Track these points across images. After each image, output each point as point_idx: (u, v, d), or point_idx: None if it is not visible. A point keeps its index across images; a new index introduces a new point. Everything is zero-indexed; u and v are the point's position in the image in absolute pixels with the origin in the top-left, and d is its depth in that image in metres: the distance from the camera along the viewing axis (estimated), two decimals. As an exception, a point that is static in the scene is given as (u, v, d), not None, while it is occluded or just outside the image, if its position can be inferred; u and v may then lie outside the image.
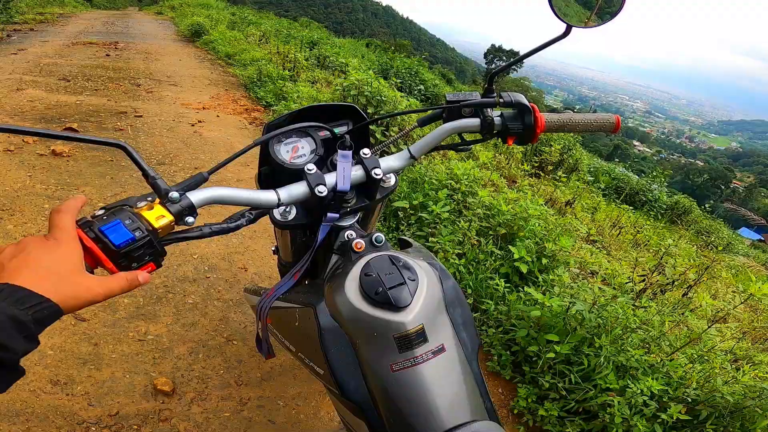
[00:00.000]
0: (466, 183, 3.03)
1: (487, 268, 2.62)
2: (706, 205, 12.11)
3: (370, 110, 3.99)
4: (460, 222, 2.71)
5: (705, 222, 9.09)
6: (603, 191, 7.33)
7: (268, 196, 0.71)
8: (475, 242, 2.72)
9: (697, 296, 1.94)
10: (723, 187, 76.32)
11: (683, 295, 2.35)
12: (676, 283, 2.45)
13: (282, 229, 0.86)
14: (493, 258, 2.69)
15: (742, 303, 1.78)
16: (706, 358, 1.84)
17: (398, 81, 6.42)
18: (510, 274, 2.65)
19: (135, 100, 5.25)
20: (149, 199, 0.58)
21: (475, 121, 0.85)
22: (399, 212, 3.11)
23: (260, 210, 0.75)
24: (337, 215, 0.78)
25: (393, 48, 14.01)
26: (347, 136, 0.79)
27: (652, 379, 1.71)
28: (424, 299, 0.69)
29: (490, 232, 2.75)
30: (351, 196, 0.80)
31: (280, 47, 7.74)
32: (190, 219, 0.60)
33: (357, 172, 0.78)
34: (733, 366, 1.90)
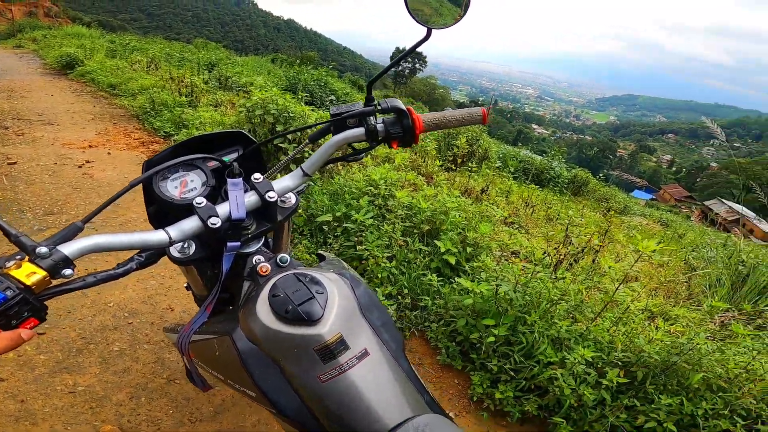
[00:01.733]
0: (385, 187, 3.07)
1: (418, 266, 2.67)
2: (600, 175, 13.64)
3: (279, 128, 3.88)
4: (384, 226, 2.73)
5: (602, 190, 10.21)
6: (513, 174, 7.91)
7: (157, 236, 0.69)
8: (402, 243, 2.75)
9: (602, 260, 2.13)
10: (611, 156, 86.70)
11: (593, 261, 2.58)
12: (585, 250, 2.69)
13: (183, 265, 0.85)
14: (422, 255, 2.75)
15: (636, 261, 1.99)
16: (624, 320, 2.03)
17: (305, 95, 6.34)
18: (441, 268, 2.72)
19: (4, 145, 4.57)
20: (18, 257, 0.57)
21: (360, 131, 0.88)
22: (324, 226, 3.05)
23: (151, 251, 0.73)
24: (239, 243, 0.77)
25: (299, 61, 13.86)
26: (235, 164, 0.78)
27: (584, 347, 1.84)
28: (336, 309, 0.70)
29: (415, 231, 2.80)
30: (249, 222, 0.80)
31: (174, 72, 7.25)
32: (67, 271, 0.59)
33: (251, 198, 0.78)
34: (652, 324, 2.11)
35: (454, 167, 5.25)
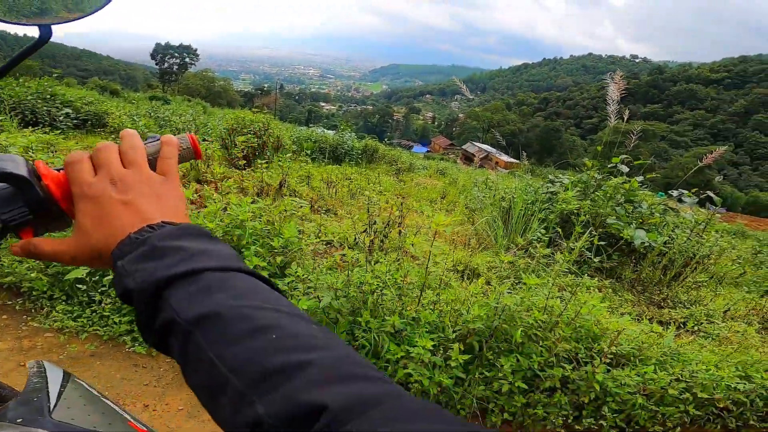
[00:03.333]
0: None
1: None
2: (386, 140, 15.06)
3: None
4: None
5: (391, 153, 11.23)
6: (311, 156, 7.83)
7: None
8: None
9: (408, 238, 2.15)
10: (390, 120, 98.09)
11: (399, 234, 2.64)
12: (390, 224, 2.74)
13: None
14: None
15: (434, 239, 2.08)
16: (441, 292, 2.10)
17: (15, 113, 4.63)
18: (254, 288, 2.34)
19: None
20: None
21: None
22: (78, 284, 2.23)
23: None
24: None
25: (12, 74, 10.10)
26: None
27: (420, 336, 1.81)
28: None
29: (210, 257, 2.32)
30: None
31: None
32: None
33: None
34: (465, 285, 2.24)
35: (244, 163, 4.73)
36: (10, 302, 2.30)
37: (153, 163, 0.44)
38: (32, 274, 2.23)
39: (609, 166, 4.16)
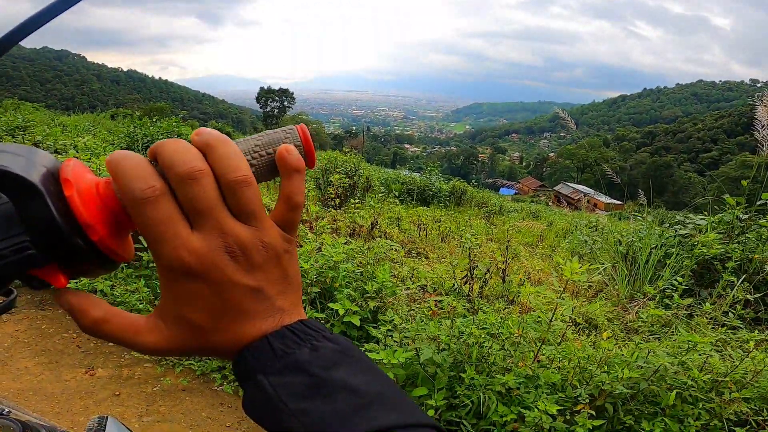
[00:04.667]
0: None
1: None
2: (473, 181, 14.78)
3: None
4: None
5: (479, 195, 10.90)
6: (399, 198, 7.87)
7: None
8: (292, 315, 2.20)
9: (517, 287, 1.87)
10: (475, 162, 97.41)
11: (502, 281, 2.36)
12: (490, 270, 2.47)
13: None
14: (319, 323, 2.23)
15: (563, 290, 1.77)
16: (562, 348, 1.80)
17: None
18: (346, 332, 2.24)
19: None
20: None
21: None
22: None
23: None
24: None
25: (147, 113, 12.20)
26: None
27: (537, 396, 1.54)
28: None
29: (303, 297, 2.27)
30: None
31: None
32: None
33: None
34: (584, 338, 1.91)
35: (337, 203, 4.85)
36: (119, 331, 2.44)
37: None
38: (141, 305, 2.37)
39: (759, 203, 3.44)
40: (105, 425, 0.60)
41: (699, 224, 3.62)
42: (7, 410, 0.62)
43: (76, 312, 0.27)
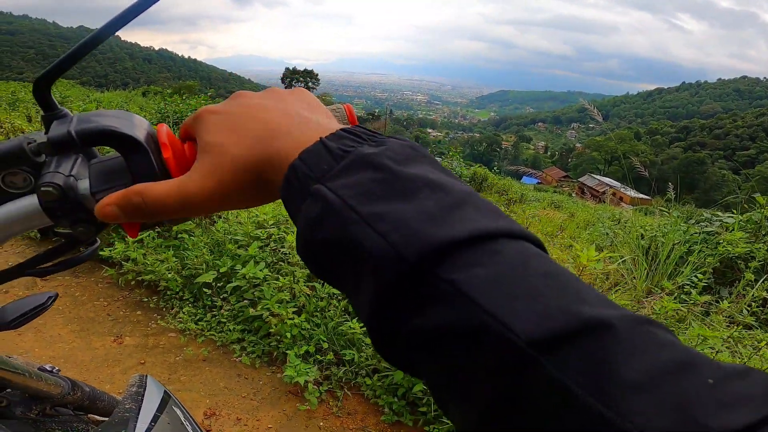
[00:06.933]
0: (277, 228, 2.56)
1: (334, 314, 2.22)
2: (494, 168, 14.56)
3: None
4: (280, 279, 2.23)
5: (500, 183, 10.77)
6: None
7: None
8: (309, 291, 2.27)
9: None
10: (498, 149, 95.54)
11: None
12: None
13: None
14: (335, 300, 2.31)
15: (579, 275, 1.79)
16: None
17: (178, 127, 5.49)
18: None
19: None
20: None
21: (26, 205, 0.31)
22: (205, 288, 2.43)
23: None
24: None
25: (177, 91, 12.43)
26: None
27: None
28: None
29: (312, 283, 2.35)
30: None
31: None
32: None
33: None
34: None
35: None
36: (146, 300, 2.55)
37: None
38: (169, 275, 2.49)
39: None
40: (146, 382, 0.68)
41: (726, 222, 3.52)
42: (57, 368, 0.71)
43: (134, 197, 0.26)
